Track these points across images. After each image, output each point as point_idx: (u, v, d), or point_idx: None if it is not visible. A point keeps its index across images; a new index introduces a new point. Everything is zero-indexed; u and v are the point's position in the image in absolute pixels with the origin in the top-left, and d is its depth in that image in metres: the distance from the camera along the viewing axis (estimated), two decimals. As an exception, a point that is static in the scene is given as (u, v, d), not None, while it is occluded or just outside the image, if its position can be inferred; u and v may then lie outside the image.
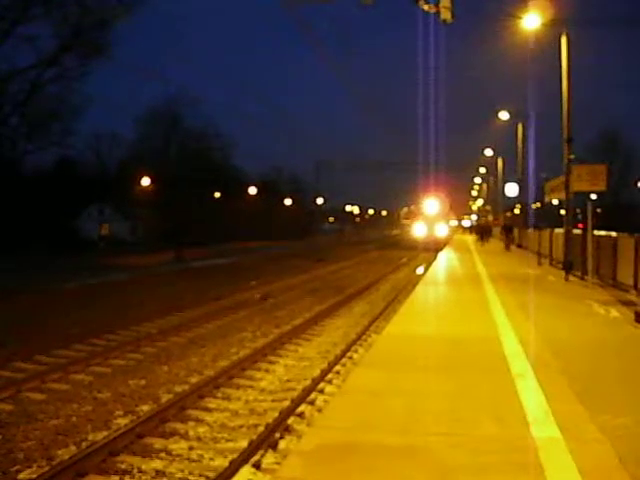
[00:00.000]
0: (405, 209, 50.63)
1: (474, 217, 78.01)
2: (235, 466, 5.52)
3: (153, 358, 10.20)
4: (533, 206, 37.37)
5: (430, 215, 45.79)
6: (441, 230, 45.93)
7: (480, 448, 3.96)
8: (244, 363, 9.54)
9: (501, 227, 40.77)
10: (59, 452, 6.02)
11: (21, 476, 5.52)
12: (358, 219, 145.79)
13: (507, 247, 32.39)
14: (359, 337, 11.61)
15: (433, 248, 36.27)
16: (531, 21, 15.70)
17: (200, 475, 5.51)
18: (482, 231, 41.94)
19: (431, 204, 46.45)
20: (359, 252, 42.47)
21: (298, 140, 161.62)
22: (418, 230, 46.27)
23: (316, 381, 8.47)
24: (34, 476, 5.41)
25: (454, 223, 71.43)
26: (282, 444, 6.16)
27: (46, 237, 38.81)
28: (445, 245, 38.38)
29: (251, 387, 8.49)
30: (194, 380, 8.75)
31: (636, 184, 65.87)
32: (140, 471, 5.58)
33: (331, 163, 72.88)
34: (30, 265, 27.66)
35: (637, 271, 11.98)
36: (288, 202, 77.41)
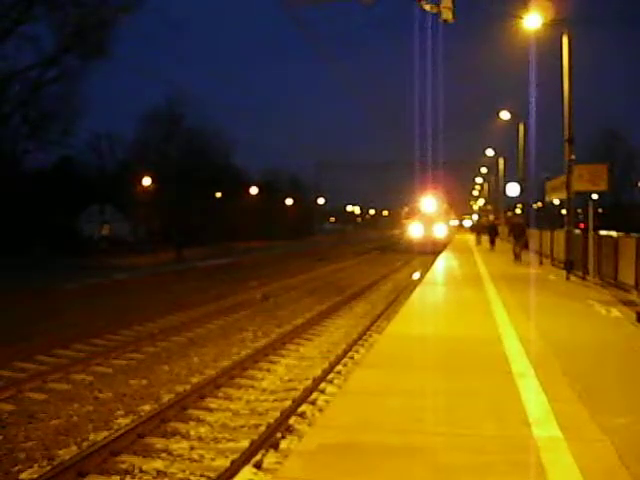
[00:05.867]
0: (405, 209, 49.19)
1: (475, 217, 77.89)
2: (236, 466, 5.52)
3: (154, 358, 10.20)
4: (534, 206, 35.73)
5: (428, 215, 42.26)
6: (440, 230, 42.32)
7: (481, 448, 3.96)
8: (245, 363, 9.54)
9: (509, 227, 29.21)
10: (60, 452, 6.02)
11: (22, 476, 5.52)
12: (359, 219, 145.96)
13: (517, 256, 22.24)
14: (360, 337, 11.61)
15: (430, 251, 33.61)
16: (532, 21, 15.69)
17: (201, 475, 5.51)
18: (489, 231, 32.70)
19: (428, 203, 42.93)
20: (359, 252, 42.39)
21: (299, 140, 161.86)
22: (415, 231, 42.23)
23: (317, 381, 8.47)
24: (35, 476, 5.41)
25: (455, 223, 71.04)
26: (283, 444, 6.16)
27: (47, 237, 38.83)
28: (444, 247, 35.91)
29: (252, 387, 8.49)
30: (195, 380, 8.75)
31: (637, 184, 65.88)
32: (141, 471, 5.58)
33: (332, 163, 72.97)
34: (30, 265, 27.67)
35: (638, 271, 11.97)
36: (289, 202, 77.40)
